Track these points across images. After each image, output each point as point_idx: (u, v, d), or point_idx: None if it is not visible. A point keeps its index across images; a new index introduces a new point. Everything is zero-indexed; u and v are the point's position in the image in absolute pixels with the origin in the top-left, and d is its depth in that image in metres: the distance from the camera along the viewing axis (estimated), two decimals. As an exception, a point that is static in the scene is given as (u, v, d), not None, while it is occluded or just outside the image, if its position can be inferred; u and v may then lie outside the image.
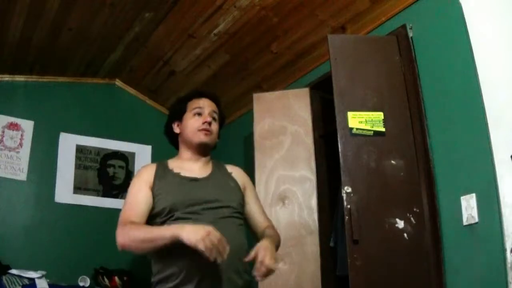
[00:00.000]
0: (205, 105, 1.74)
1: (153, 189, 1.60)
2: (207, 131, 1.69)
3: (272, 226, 1.73)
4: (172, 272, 1.47)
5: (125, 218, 1.56)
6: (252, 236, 1.74)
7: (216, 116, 1.76)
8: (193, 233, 1.33)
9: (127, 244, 1.49)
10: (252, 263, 1.47)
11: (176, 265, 1.46)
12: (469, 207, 1.94)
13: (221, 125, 1.81)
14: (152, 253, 1.53)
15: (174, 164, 1.70)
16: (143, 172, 1.68)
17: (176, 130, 1.76)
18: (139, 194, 1.60)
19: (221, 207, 1.58)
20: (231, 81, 3.55)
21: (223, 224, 1.51)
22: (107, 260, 3.37)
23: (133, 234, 1.49)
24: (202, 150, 1.71)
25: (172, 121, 1.79)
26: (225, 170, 1.76)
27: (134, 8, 2.96)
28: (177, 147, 1.79)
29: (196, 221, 1.47)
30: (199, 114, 1.72)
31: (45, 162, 3.56)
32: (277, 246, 1.60)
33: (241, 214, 1.66)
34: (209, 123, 1.70)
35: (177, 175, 1.64)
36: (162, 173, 1.65)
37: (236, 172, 1.77)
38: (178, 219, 1.52)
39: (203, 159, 1.73)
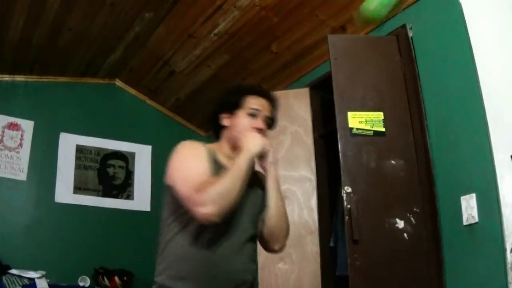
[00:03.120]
0: (264, 108, 1.57)
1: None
2: None
3: None
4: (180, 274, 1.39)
5: (196, 185, 1.35)
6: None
7: (270, 121, 1.59)
8: (256, 145, 1.47)
9: (222, 206, 1.33)
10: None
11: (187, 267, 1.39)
12: (469, 207, 1.94)
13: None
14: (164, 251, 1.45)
15: (221, 159, 1.53)
16: (198, 146, 1.52)
17: (225, 122, 1.59)
18: (203, 164, 1.43)
19: (247, 226, 1.49)
20: (231, 81, 3.55)
21: (244, 246, 1.46)
22: (107, 260, 3.37)
23: (223, 189, 1.34)
24: None
25: (221, 111, 1.61)
26: (256, 175, 1.59)
27: (134, 8, 2.97)
28: (216, 136, 1.64)
29: (227, 236, 1.42)
30: (254, 115, 1.55)
31: (45, 162, 3.57)
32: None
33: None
34: (261, 130, 1.54)
35: None
36: (214, 166, 1.48)
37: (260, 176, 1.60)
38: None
39: None
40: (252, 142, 1.47)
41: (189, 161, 1.46)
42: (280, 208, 1.54)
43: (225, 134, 1.59)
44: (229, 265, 1.40)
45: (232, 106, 1.58)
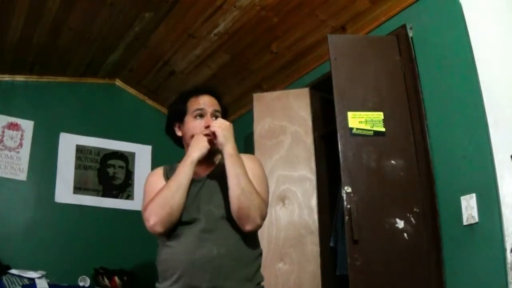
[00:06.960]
0: (206, 105, 1.61)
1: None
2: (210, 137, 1.55)
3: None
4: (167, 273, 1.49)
5: (145, 206, 1.54)
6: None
7: (219, 114, 1.63)
8: (197, 148, 1.51)
9: (161, 215, 1.45)
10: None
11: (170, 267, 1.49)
12: (469, 207, 1.94)
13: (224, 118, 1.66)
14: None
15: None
16: (155, 172, 1.66)
17: (178, 133, 1.65)
18: (157, 186, 1.54)
19: (213, 210, 1.51)
20: (231, 81, 3.55)
21: (218, 225, 1.48)
22: (107, 260, 3.37)
23: (159, 200, 1.47)
24: (207, 155, 1.57)
25: (172, 122, 1.67)
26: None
27: (134, 8, 2.96)
28: (181, 147, 1.69)
29: (194, 225, 1.49)
30: (201, 115, 1.59)
31: (45, 162, 3.56)
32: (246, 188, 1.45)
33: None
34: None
35: None
36: (170, 173, 1.58)
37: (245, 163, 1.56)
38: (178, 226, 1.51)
39: (209, 161, 1.62)
40: (193, 147, 1.53)
41: (147, 192, 1.59)
42: (241, 186, 1.44)
43: (184, 143, 1.65)
44: (197, 251, 1.44)
45: (179, 115, 1.64)
